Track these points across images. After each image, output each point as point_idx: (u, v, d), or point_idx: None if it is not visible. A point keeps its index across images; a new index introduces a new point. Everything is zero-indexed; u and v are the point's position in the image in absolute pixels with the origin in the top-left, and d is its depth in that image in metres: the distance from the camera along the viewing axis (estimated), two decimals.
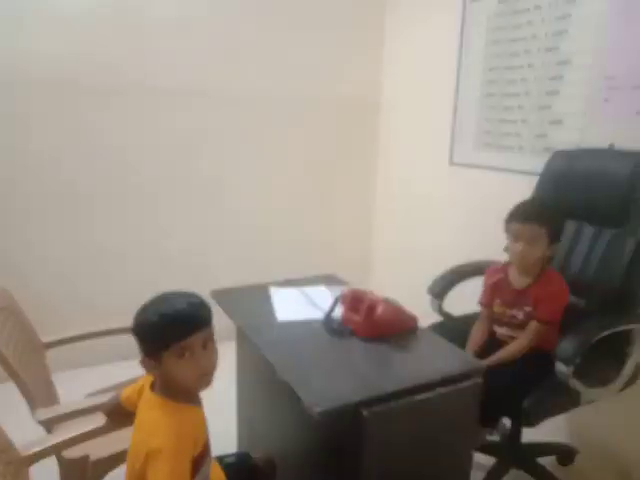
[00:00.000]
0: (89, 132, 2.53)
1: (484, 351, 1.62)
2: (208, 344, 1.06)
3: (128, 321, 1.78)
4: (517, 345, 1.60)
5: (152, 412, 1.07)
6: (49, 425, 1.39)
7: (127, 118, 2.59)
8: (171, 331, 1.01)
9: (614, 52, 1.85)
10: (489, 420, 1.56)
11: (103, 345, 1.90)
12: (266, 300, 1.71)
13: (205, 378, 1.06)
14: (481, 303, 1.78)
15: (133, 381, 1.74)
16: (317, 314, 1.59)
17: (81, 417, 1.34)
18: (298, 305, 1.68)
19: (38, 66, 2.36)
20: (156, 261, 2.79)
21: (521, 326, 1.65)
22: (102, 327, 1.73)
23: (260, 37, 2.78)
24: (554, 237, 1.59)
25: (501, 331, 1.72)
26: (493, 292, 1.73)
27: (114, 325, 1.74)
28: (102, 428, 1.26)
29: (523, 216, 1.59)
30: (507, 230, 1.64)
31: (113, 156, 2.60)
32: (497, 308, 1.71)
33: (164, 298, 1.07)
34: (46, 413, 1.35)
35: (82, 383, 1.73)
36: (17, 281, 1.70)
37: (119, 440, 1.39)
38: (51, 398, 1.59)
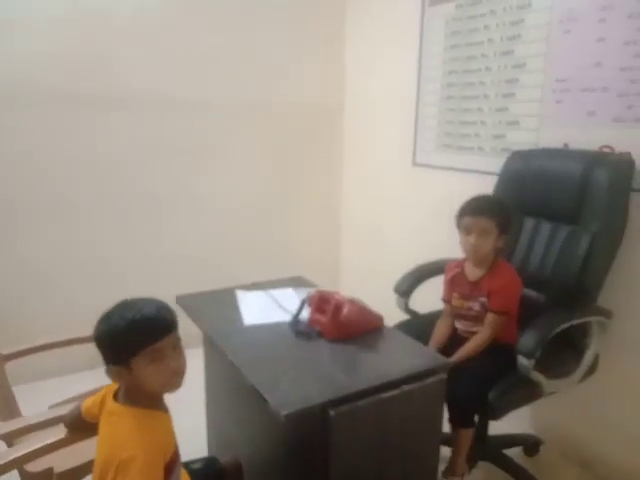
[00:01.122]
0: (65, 138, 2.50)
1: (446, 347, 1.65)
2: (177, 346, 1.07)
3: (89, 330, 1.77)
4: (477, 340, 1.64)
5: (119, 422, 1.05)
6: (10, 439, 1.35)
7: (106, 125, 2.57)
8: (142, 336, 1.02)
9: (563, 56, 1.92)
10: (459, 419, 1.60)
11: (66, 355, 1.86)
12: (233, 304, 1.70)
13: (176, 379, 1.07)
14: (443, 299, 1.83)
15: (97, 390, 1.72)
16: (284, 317, 1.60)
17: (43, 429, 1.31)
18: (265, 308, 1.68)
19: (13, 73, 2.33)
20: (121, 268, 2.75)
21: (478, 318, 1.69)
22: (62, 337, 1.70)
23: (223, 43, 2.77)
24: (504, 228, 1.65)
25: (460, 326, 1.77)
26: (451, 286, 1.78)
27: (75, 335, 1.70)
28: (65, 440, 1.23)
29: (474, 210, 1.65)
30: (458, 225, 1.69)
31: (93, 162, 2.58)
32: (455, 302, 1.75)
33: (127, 305, 1.07)
34: (6, 427, 1.31)
35: (45, 395, 1.69)
36: None
37: (84, 451, 1.35)
38: (12, 411, 1.54)
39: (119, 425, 1.05)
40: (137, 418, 1.05)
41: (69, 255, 2.62)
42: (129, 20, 2.52)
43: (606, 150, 1.79)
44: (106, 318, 1.05)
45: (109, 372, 1.05)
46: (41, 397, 1.66)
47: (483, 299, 1.67)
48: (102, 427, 1.09)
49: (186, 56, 2.69)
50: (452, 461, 1.65)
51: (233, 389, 1.61)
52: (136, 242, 2.78)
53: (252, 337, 1.46)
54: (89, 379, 1.79)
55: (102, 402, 1.14)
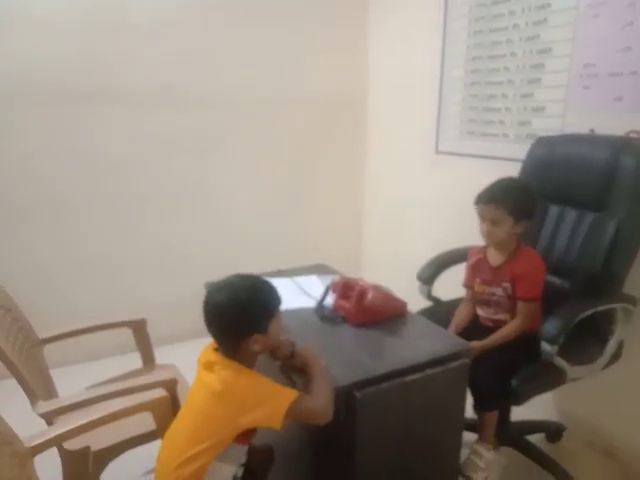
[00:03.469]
0: (67, 136, 2.51)
1: (468, 335, 1.65)
2: None
3: (122, 315, 1.83)
4: (510, 327, 1.63)
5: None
6: (50, 417, 1.42)
7: (105, 123, 2.57)
8: (278, 298, 1.22)
9: (591, 41, 1.89)
10: (483, 406, 1.61)
11: (97, 341, 1.93)
12: None
13: None
14: (464, 285, 1.84)
15: (131, 374, 1.79)
16: (309, 302, 1.63)
17: (81, 409, 1.38)
18: (290, 294, 1.71)
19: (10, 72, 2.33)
20: (143, 262, 2.81)
21: (500, 304, 1.70)
22: (97, 322, 1.76)
23: (241, 36, 2.76)
24: (519, 215, 1.62)
25: (482, 313, 1.77)
26: (474, 272, 1.78)
27: (109, 320, 1.77)
28: (100, 419, 1.29)
29: (485, 197, 1.65)
30: (477, 211, 1.69)
31: (97, 162, 2.60)
32: (477, 287, 1.75)
33: (246, 278, 1.22)
34: (47, 406, 1.38)
35: (78, 379, 1.76)
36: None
37: (118, 430, 1.44)
38: (50, 392, 1.61)
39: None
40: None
41: (70, 254, 2.64)
42: (134, 15, 2.50)
43: (634, 135, 1.76)
44: (244, 290, 1.17)
45: (253, 342, 1.15)
46: (77, 380, 1.74)
47: (506, 284, 1.67)
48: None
49: (195, 50, 2.68)
50: (481, 435, 1.67)
51: (263, 371, 1.66)
52: (167, 237, 2.83)
53: None
54: (120, 363, 1.88)
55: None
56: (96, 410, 1.32)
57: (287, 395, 1.12)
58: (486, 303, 1.74)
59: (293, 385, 1.23)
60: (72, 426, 1.24)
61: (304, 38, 2.96)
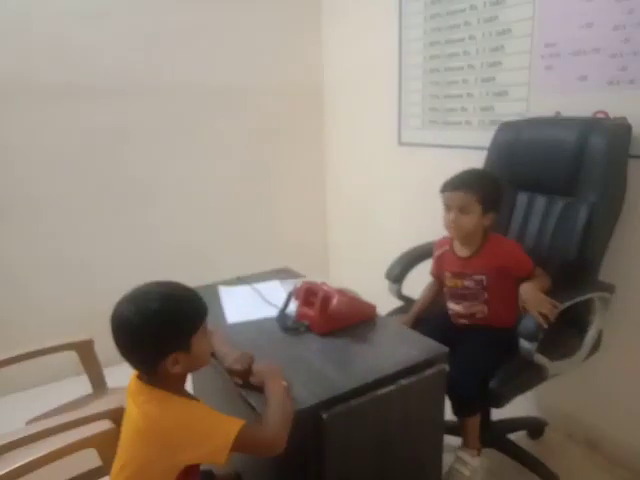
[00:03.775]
0: (34, 133, 2.35)
1: (441, 336, 1.53)
2: None
3: (59, 339, 1.66)
4: (543, 282, 1.52)
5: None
6: None
7: (59, 118, 2.40)
8: (201, 309, 1.02)
9: (551, 19, 1.81)
10: (462, 411, 1.52)
11: (40, 365, 1.75)
12: (215, 301, 1.60)
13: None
14: (431, 273, 1.79)
15: (77, 402, 1.63)
16: (271, 312, 1.51)
17: (19, 448, 1.22)
18: (250, 304, 1.59)
19: None
20: (91, 266, 2.61)
21: (476, 296, 1.61)
22: (35, 347, 1.59)
23: (191, 22, 2.62)
24: (488, 205, 1.54)
25: (459, 308, 1.67)
26: (441, 264, 1.72)
27: (48, 344, 1.60)
28: (38, 460, 1.14)
29: (453, 185, 1.56)
30: (442, 201, 1.60)
31: (60, 155, 2.43)
32: (449, 282, 1.67)
33: (162, 285, 1.02)
34: None
35: (22, 409, 1.60)
36: None
37: (61, 471, 1.28)
38: None
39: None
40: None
41: (38, 255, 2.45)
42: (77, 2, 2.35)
43: (600, 116, 1.69)
44: (145, 300, 0.97)
45: (171, 362, 0.97)
46: (21, 410, 1.58)
47: (479, 277, 1.59)
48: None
49: (155, 37, 2.54)
50: (465, 441, 1.57)
51: (220, 393, 1.52)
52: (109, 237, 2.62)
53: (236, 336, 1.37)
54: (72, 387, 1.71)
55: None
56: (34, 449, 1.16)
57: (229, 426, 0.96)
58: (461, 297, 1.65)
59: (251, 409, 1.10)
60: (4, 471, 1.08)
61: (260, 27, 2.82)
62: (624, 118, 1.62)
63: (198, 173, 2.80)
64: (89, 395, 1.68)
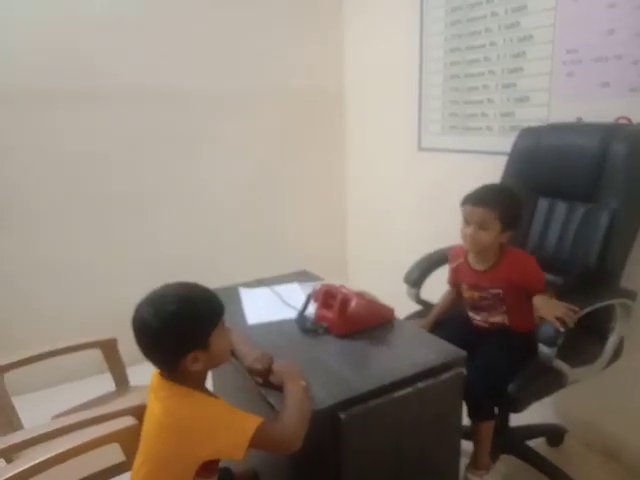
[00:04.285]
0: (35, 139, 2.37)
1: (461, 339, 1.53)
2: None
3: (88, 337, 1.70)
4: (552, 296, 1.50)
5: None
6: (8, 454, 1.29)
7: (75, 123, 2.43)
8: (218, 308, 1.06)
9: (573, 25, 1.81)
10: (478, 414, 1.52)
11: (64, 363, 1.80)
12: (236, 303, 1.63)
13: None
14: (449, 283, 1.79)
15: (102, 399, 1.67)
16: (290, 313, 1.53)
17: (45, 442, 1.26)
18: (270, 306, 1.61)
19: None
20: (121, 271, 2.66)
21: (494, 307, 1.60)
22: (62, 344, 1.63)
23: (212, 30, 2.66)
24: (507, 224, 1.52)
25: (478, 317, 1.67)
26: (457, 275, 1.72)
27: (74, 342, 1.64)
28: (67, 453, 1.17)
29: (475, 199, 1.54)
30: (462, 214, 1.59)
31: (71, 161, 2.45)
32: (466, 293, 1.67)
33: (178, 288, 1.05)
34: (3, 441, 1.25)
35: (48, 406, 1.63)
36: None
37: (85, 466, 1.31)
38: (12, 424, 1.49)
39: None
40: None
41: (39, 260, 2.46)
42: (100, 11, 2.38)
43: (623, 121, 1.68)
44: (162, 303, 1.01)
45: (191, 360, 1.00)
46: (46, 406, 1.62)
47: (495, 290, 1.58)
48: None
49: (171, 44, 2.56)
50: (475, 455, 1.57)
51: (240, 392, 1.55)
52: (125, 243, 2.65)
53: (256, 337, 1.39)
54: (95, 385, 1.75)
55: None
56: (59, 443, 1.19)
57: (248, 423, 0.99)
58: (480, 308, 1.65)
59: (271, 407, 1.12)
60: (28, 465, 1.12)
61: (278, 31, 2.85)
62: None
63: (215, 178, 2.83)
64: (112, 392, 1.72)
